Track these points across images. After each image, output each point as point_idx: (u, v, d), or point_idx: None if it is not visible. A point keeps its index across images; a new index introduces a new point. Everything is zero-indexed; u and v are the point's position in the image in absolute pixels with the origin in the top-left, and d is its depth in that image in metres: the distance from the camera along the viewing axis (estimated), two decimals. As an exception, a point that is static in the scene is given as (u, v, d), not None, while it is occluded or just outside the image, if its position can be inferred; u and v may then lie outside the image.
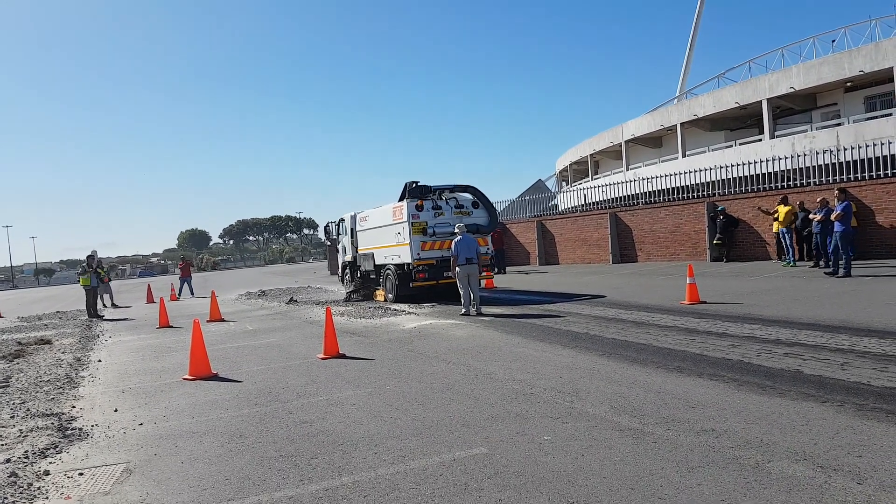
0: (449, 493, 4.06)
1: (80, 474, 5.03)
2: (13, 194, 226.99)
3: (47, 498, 4.56)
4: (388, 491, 4.18)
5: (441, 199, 16.51)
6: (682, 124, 36.78)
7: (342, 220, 21.16)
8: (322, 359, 9.35)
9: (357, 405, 6.54)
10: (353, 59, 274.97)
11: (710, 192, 22.72)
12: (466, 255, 13.08)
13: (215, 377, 8.68)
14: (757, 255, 20.27)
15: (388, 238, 17.17)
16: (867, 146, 19.52)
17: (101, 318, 20.12)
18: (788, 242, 17.34)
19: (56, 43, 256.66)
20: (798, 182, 20.89)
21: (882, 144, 18.79)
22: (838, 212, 14.18)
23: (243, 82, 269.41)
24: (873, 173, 18.66)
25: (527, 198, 34.15)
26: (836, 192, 14.81)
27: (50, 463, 5.36)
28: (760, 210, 19.19)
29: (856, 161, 19.47)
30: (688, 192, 23.77)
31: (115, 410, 7.18)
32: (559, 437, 5.00)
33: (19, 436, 6.18)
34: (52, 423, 6.61)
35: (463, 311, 13.11)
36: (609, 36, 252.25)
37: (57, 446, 5.81)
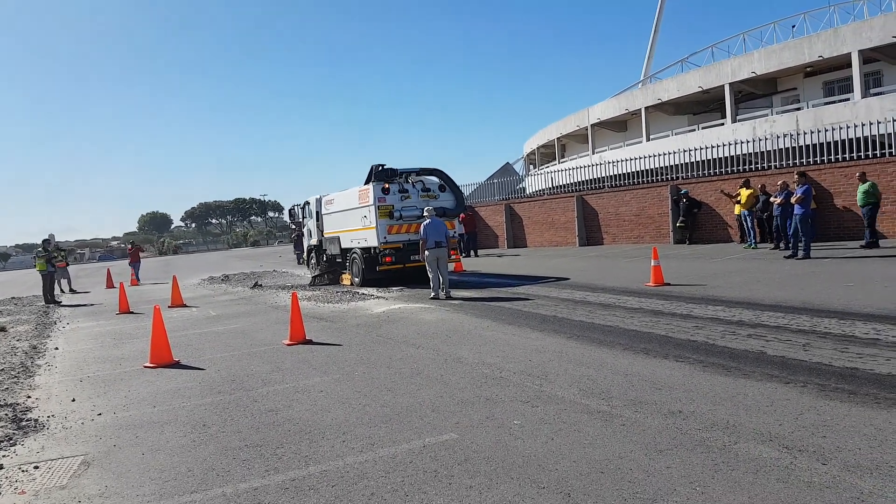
0: (419, 480, 4.01)
1: (36, 468, 4.85)
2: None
3: (0, 493, 4.38)
4: (357, 480, 4.12)
5: (408, 182, 16.37)
6: (646, 108, 37.09)
7: (307, 203, 20.84)
8: (288, 345, 9.20)
9: (325, 392, 6.44)
10: (317, 42, 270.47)
11: (675, 176, 23.04)
12: (435, 238, 13.00)
13: (177, 364, 8.47)
14: (719, 238, 20.64)
15: (354, 222, 17.00)
16: (825, 130, 19.98)
17: (58, 304, 19.52)
18: (750, 225, 17.68)
19: (8, 23, 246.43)
20: (759, 166, 21.28)
21: (840, 129, 19.23)
22: (798, 195, 14.46)
23: (205, 63, 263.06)
24: (832, 157, 19.11)
25: (495, 181, 34.11)
26: (796, 175, 15.13)
27: (3, 456, 5.15)
28: (723, 193, 19.50)
29: (815, 145, 19.95)
30: (652, 176, 24.08)
31: (73, 400, 6.95)
32: (529, 421, 4.98)
33: (-30, 429, 5.93)
34: (6, 415, 6.36)
35: (432, 294, 13.05)
36: (576, 20, 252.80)
37: (11, 438, 5.59)
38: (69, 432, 5.76)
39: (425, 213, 13.44)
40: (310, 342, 9.26)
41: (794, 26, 38.00)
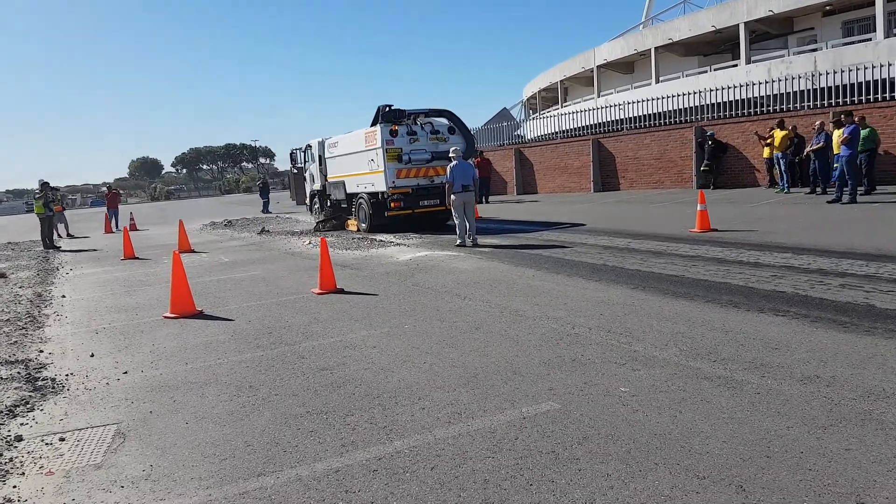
0: (537, 464, 3.30)
1: (62, 440, 4.12)
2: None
3: (23, 474, 3.66)
4: (458, 461, 3.40)
5: (416, 124, 15.52)
6: (656, 49, 35.59)
7: (309, 146, 19.88)
8: (318, 293, 8.45)
9: (378, 348, 5.70)
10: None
11: (688, 119, 22.06)
12: (463, 181, 12.12)
13: (201, 315, 7.72)
14: (745, 182, 19.80)
15: (360, 165, 16.16)
16: (846, 72, 19.05)
17: (57, 248, 18.64)
18: (784, 168, 16.81)
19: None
20: (778, 108, 20.36)
21: (861, 70, 18.40)
22: (846, 135, 13.59)
23: (196, 5, 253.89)
24: (854, 98, 18.27)
25: (492, 126, 32.88)
26: (842, 115, 14.18)
27: (21, 425, 4.42)
28: (757, 135, 18.54)
29: (834, 87, 19.12)
30: (666, 119, 23.10)
31: (92, 355, 6.20)
32: (637, 388, 4.27)
33: (-21, 390, 5.19)
34: (19, 373, 5.62)
35: (458, 241, 12.25)
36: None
37: (27, 402, 4.85)
38: (93, 394, 5.03)
39: (451, 154, 12.52)
40: (341, 291, 8.51)
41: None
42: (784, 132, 16.85)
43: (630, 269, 8.54)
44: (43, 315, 8.48)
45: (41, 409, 4.72)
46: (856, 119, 14.24)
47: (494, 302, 7.20)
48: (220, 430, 4.10)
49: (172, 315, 7.69)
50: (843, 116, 14.11)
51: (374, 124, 15.68)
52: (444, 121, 16.03)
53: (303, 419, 4.17)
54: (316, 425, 4.05)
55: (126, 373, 5.55)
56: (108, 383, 5.29)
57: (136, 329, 7.27)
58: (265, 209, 31.19)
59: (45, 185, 19.77)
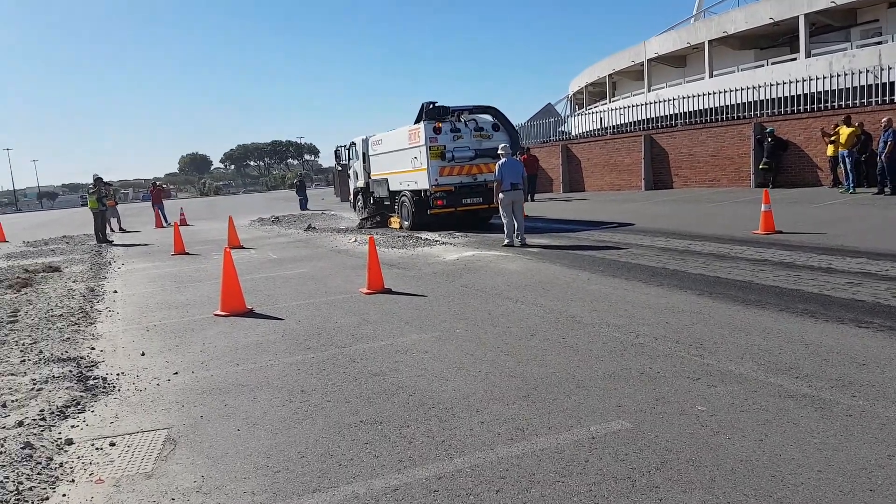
0: (612, 491, 3.03)
1: (112, 444, 4.03)
2: (14, 117, 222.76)
3: (73, 480, 3.56)
4: (525, 484, 3.15)
5: (460, 121, 15.34)
6: (709, 42, 34.44)
7: (353, 143, 19.86)
8: (367, 293, 8.29)
9: (430, 353, 5.49)
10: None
11: (748, 114, 21.22)
12: (511, 179, 11.82)
13: (251, 313, 7.64)
14: (806, 181, 18.93)
15: (403, 163, 16.07)
16: None
17: (110, 243, 19.06)
18: (850, 167, 15.96)
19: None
20: (838, 103, 19.39)
21: None
22: (923, 134, 12.79)
23: (243, 5, 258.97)
24: None
25: (537, 122, 32.37)
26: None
27: (72, 427, 4.36)
28: (822, 132, 17.68)
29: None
30: (720, 114, 22.28)
31: (143, 354, 6.16)
32: (715, 406, 3.94)
33: (32, 388, 5.17)
34: (70, 371, 5.60)
35: (506, 241, 11.96)
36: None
37: (79, 403, 4.80)
38: (144, 396, 4.95)
39: (500, 151, 12.24)
40: (389, 291, 8.33)
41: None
42: (851, 129, 16.01)
43: (693, 273, 8.12)
44: (95, 311, 8.55)
45: (92, 411, 4.65)
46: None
47: (549, 306, 6.91)
48: (273, 439, 3.94)
49: (223, 313, 7.63)
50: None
51: (417, 121, 15.56)
52: (488, 118, 15.81)
53: (357, 429, 3.98)
54: (371, 436, 3.86)
55: (177, 373, 5.47)
56: (158, 384, 5.21)
57: (187, 327, 7.24)
58: (303, 206, 31.30)
59: (98, 180, 20.24)
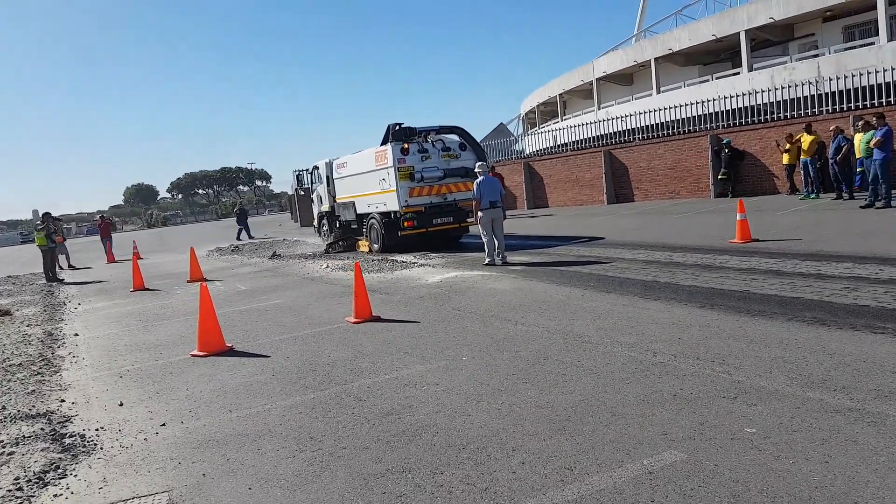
0: (694, 534, 2.75)
1: (107, 515, 3.55)
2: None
3: (69, 563, 3.08)
4: (594, 532, 2.85)
5: (427, 141, 15.28)
6: (655, 59, 35.41)
7: (316, 167, 19.59)
8: (354, 322, 7.89)
9: (441, 385, 5.15)
10: (303, 2, 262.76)
11: (699, 127, 21.75)
12: (490, 197, 11.62)
13: (232, 351, 7.16)
14: (764, 189, 19.38)
15: (371, 185, 15.87)
16: (850, 77, 18.87)
17: (61, 281, 18.02)
18: (814, 174, 16.37)
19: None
20: (787, 114, 20.09)
21: (865, 74, 18.29)
22: (878, 138, 13.17)
23: (187, 31, 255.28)
24: (860, 103, 18.04)
25: (491, 141, 32.62)
26: (875, 118, 13.78)
27: (55, 496, 3.85)
28: (776, 143, 18.18)
29: (838, 92, 19.02)
30: (672, 129, 22.79)
31: (121, 404, 5.63)
32: (764, 427, 3.73)
33: (2, 451, 4.61)
34: (42, 430, 5.04)
35: (487, 260, 11.73)
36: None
37: (58, 466, 4.28)
38: (132, 453, 4.45)
39: (478, 170, 12.08)
40: (378, 319, 7.96)
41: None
42: (812, 136, 16.43)
43: (686, 285, 8.02)
44: (58, 357, 7.90)
45: (75, 475, 4.14)
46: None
47: (551, 327, 6.66)
48: (291, 497, 3.54)
49: (201, 353, 7.12)
50: (875, 119, 13.71)
51: (384, 143, 15.40)
52: (455, 137, 15.84)
53: (384, 479, 3.61)
54: (403, 488, 3.50)
55: (164, 425, 4.98)
56: (145, 439, 4.72)
57: (164, 370, 6.70)
58: (240, 236, 29.70)
59: (46, 215, 19.22)
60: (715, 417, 3.95)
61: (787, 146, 17.65)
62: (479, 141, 16.38)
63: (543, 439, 3.92)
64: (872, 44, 26.09)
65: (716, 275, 8.43)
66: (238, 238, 29.43)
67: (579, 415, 4.23)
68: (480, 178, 11.77)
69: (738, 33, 30.65)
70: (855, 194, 15.33)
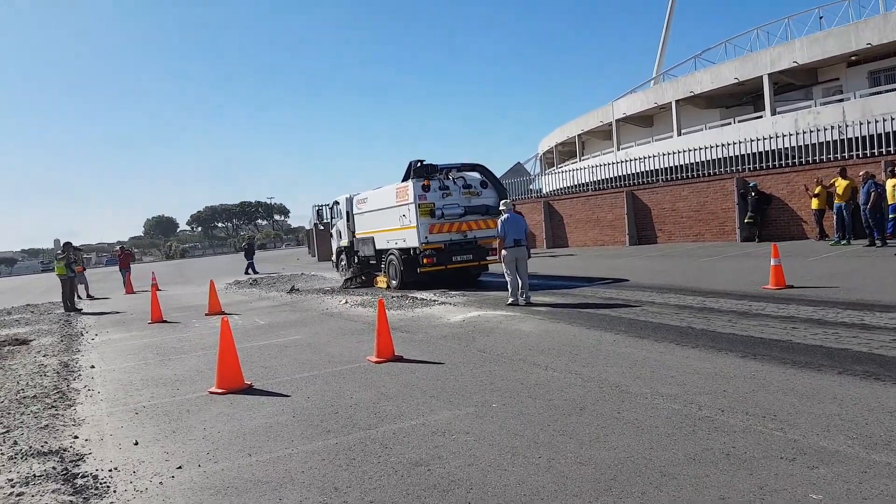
0: None
1: (118, 569, 3.29)
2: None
3: None
4: None
5: (448, 178, 15.32)
6: (676, 102, 35.49)
7: (336, 202, 19.69)
8: (376, 362, 7.65)
9: (472, 434, 4.87)
10: (323, 40, 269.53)
11: (723, 170, 21.53)
12: (515, 235, 11.44)
13: (251, 389, 6.92)
14: (792, 235, 19.02)
15: (391, 221, 15.84)
16: (877, 122, 18.64)
17: (79, 311, 18.00)
18: (848, 219, 16.02)
19: (5, 24, 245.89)
20: (809, 159, 19.84)
21: (893, 119, 17.94)
22: (915, 185, 12.87)
23: (210, 64, 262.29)
24: (890, 148, 17.78)
25: (508, 180, 32.74)
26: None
27: (65, 545, 3.60)
28: (805, 187, 17.91)
29: (864, 137, 18.73)
30: (694, 170, 22.60)
31: (136, 443, 5.39)
32: (831, 494, 3.41)
33: (11, 492, 4.38)
34: (54, 469, 4.81)
35: (510, 299, 11.48)
36: (578, 24, 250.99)
37: (69, 511, 4.03)
38: (146, 498, 4.21)
39: (502, 207, 11.94)
40: (401, 359, 7.71)
41: (821, 17, 35.78)
42: (847, 181, 16.13)
43: (723, 332, 7.69)
44: (73, 390, 7.71)
45: (87, 521, 3.90)
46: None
47: (585, 374, 6.37)
48: (316, 557, 3.26)
49: (219, 390, 6.89)
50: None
51: (405, 179, 15.40)
52: (476, 175, 15.85)
53: (417, 540, 3.33)
54: (438, 550, 3.21)
55: (181, 468, 4.73)
56: (161, 482, 4.47)
57: (181, 408, 6.48)
58: (248, 270, 29.68)
59: (67, 245, 19.33)
60: (775, 481, 3.63)
61: (817, 190, 17.38)
62: (499, 178, 16.35)
63: (589, 500, 3.62)
64: (899, 88, 26.01)
65: (754, 322, 8.10)
66: (246, 273, 29.32)
67: (625, 474, 3.92)
68: (505, 215, 11.60)
69: (762, 77, 30.72)
70: (888, 241, 14.96)
